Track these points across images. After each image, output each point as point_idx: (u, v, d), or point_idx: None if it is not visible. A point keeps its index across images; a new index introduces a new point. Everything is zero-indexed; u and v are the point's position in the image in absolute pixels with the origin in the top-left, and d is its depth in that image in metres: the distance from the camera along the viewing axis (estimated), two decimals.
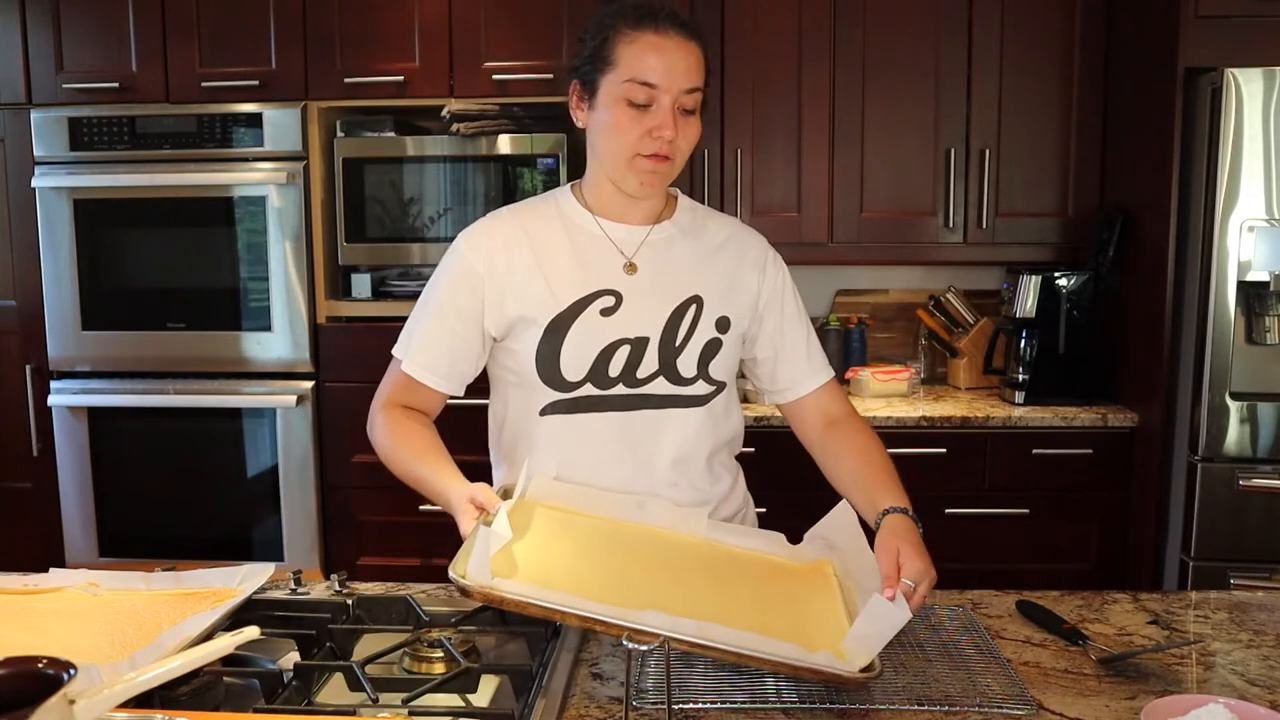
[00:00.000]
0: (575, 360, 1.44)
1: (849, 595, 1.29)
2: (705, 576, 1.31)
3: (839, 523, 1.40)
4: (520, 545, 1.23)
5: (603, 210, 1.51)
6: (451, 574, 1.12)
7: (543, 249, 1.48)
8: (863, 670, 1.11)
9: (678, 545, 1.39)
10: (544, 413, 1.47)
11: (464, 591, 1.11)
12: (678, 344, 1.47)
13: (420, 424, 1.48)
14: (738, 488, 1.61)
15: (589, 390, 1.46)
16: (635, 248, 1.50)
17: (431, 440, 1.45)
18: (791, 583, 1.34)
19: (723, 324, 1.50)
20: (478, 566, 1.11)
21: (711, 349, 1.49)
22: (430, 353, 1.48)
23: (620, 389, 1.46)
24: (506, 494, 1.37)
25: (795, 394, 1.59)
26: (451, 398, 1.53)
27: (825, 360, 1.61)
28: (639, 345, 1.45)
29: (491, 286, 1.46)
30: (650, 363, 1.46)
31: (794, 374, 1.59)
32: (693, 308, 1.49)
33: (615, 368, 1.45)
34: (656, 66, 1.38)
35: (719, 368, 1.51)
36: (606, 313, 1.45)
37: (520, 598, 1.10)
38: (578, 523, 1.38)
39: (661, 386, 1.47)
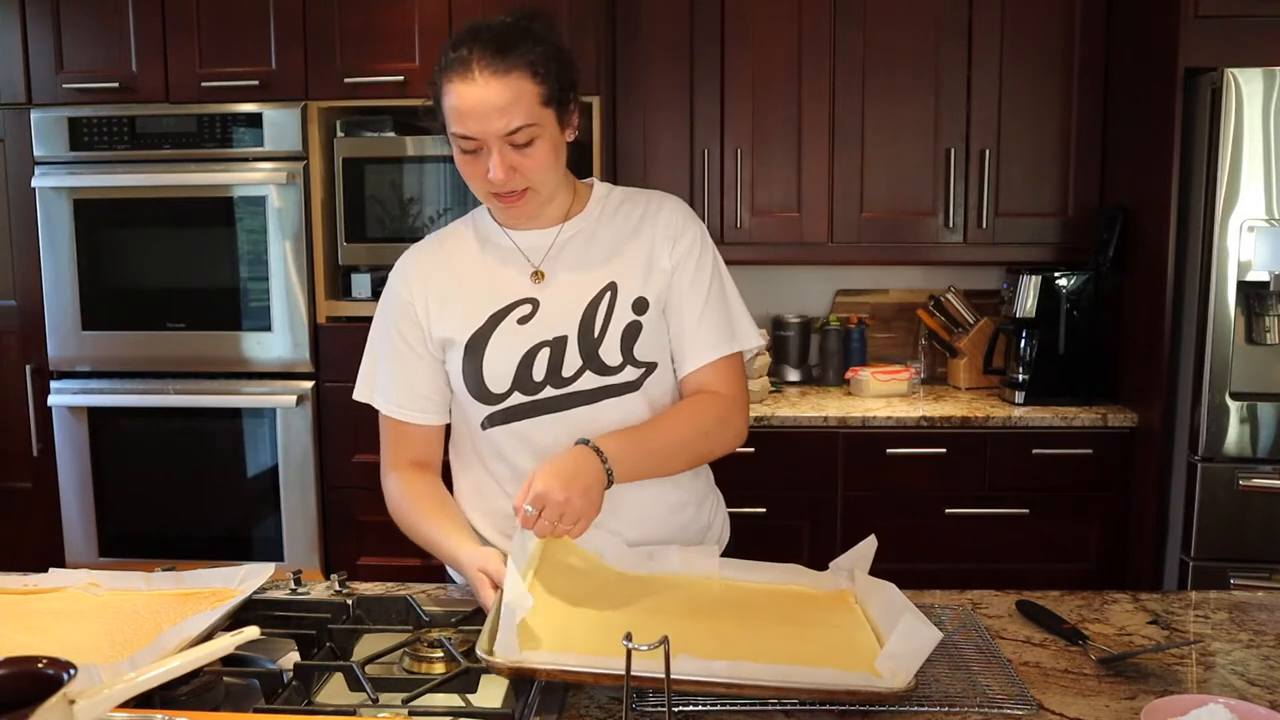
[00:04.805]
0: (497, 372, 1.46)
1: (875, 625, 1.28)
2: (727, 615, 1.30)
3: (864, 555, 1.40)
4: (540, 612, 1.23)
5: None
6: (479, 653, 1.12)
7: (460, 270, 1.50)
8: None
9: (694, 588, 1.38)
10: (484, 426, 1.49)
11: (495, 669, 1.11)
12: (596, 335, 1.46)
13: (428, 484, 1.51)
14: (701, 470, 1.59)
15: (517, 399, 1.46)
16: (543, 253, 1.49)
17: (439, 501, 1.49)
18: (814, 610, 1.33)
19: (639, 305, 1.47)
20: (505, 643, 1.11)
21: (632, 332, 1.47)
22: (399, 388, 1.52)
23: (548, 391, 1.46)
24: None
25: (681, 372, 1.51)
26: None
27: (727, 333, 1.49)
28: (558, 345, 1.45)
29: (421, 312, 1.50)
30: (573, 360, 1.45)
31: (681, 349, 1.50)
32: (607, 295, 1.47)
33: (539, 372, 1.45)
34: (467, 117, 1.34)
35: (644, 349, 1.47)
36: (524, 320, 1.46)
37: (552, 667, 1.10)
38: (591, 580, 1.37)
39: (589, 381, 1.46)
